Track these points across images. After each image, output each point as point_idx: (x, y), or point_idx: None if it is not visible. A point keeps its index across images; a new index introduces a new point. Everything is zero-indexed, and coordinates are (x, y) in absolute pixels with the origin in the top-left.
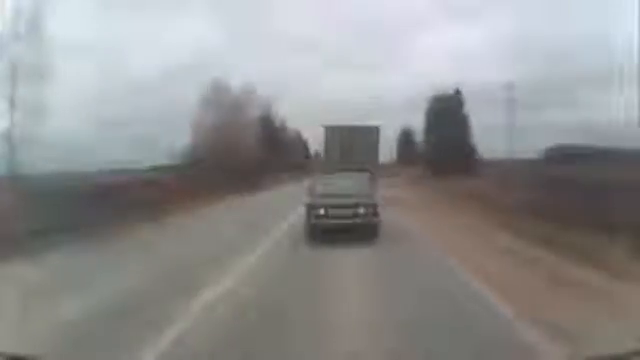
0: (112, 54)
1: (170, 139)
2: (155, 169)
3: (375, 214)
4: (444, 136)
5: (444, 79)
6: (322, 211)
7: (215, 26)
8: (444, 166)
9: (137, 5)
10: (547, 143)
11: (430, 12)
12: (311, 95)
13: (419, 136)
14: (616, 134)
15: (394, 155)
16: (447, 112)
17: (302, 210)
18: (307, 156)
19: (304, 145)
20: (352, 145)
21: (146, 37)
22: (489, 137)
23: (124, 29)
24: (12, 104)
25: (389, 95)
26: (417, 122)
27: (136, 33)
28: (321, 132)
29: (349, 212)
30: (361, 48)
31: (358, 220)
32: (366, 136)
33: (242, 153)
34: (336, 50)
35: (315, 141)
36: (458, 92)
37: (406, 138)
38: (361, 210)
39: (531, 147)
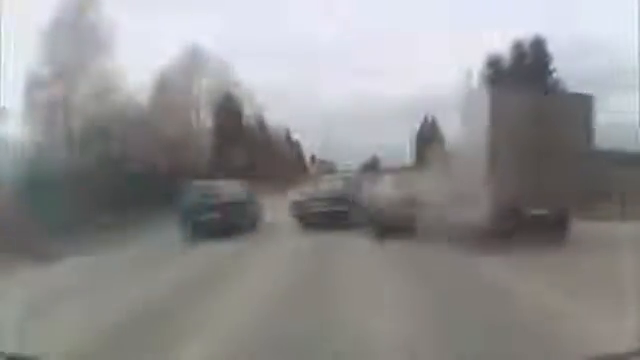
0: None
1: None
2: None
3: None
4: None
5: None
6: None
7: (211, 24)
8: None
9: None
10: None
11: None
12: (305, 99)
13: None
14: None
15: (408, 157)
16: (526, 73)
17: None
18: (302, 163)
19: (297, 150)
20: (548, 129)
21: (140, 37)
22: None
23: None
24: None
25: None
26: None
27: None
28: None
29: None
30: (360, 52)
31: None
32: (574, 113)
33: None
34: (334, 53)
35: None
36: (540, 41)
37: (432, 130)
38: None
39: None
